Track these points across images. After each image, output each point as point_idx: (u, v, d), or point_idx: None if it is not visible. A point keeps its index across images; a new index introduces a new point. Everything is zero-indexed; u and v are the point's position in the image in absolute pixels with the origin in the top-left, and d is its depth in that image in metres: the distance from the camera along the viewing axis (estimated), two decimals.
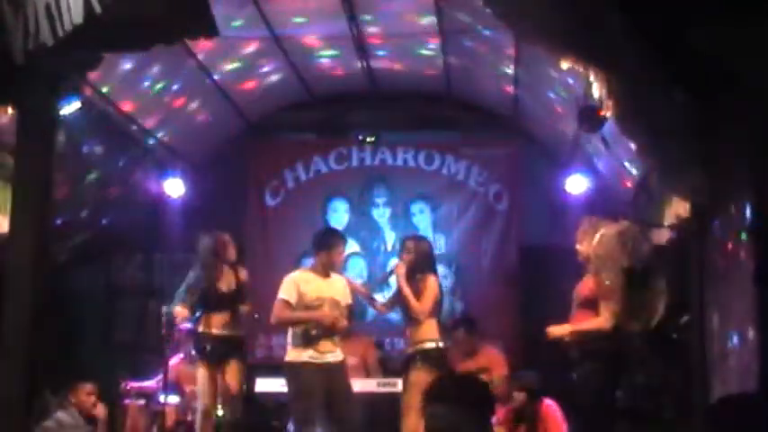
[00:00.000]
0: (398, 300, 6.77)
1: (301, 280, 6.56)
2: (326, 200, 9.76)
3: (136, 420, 7.62)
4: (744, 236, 4.75)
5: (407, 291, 6.56)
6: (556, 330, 6.00)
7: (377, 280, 6.75)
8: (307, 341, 6.40)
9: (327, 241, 6.68)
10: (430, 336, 6.57)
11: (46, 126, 4.94)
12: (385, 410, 6.96)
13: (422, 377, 6.36)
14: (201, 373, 6.88)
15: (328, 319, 6.41)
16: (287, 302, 6.47)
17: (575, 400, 6.27)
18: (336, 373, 6.44)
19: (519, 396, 7.19)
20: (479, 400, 2.74)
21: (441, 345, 6.62)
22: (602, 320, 5.77)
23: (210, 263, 6.99)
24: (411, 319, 6.63)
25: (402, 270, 6.65)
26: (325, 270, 6.58)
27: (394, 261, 7.04)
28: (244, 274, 7.12)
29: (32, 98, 4.83)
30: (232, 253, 7.08)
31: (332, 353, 6.46)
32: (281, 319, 6.58)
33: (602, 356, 5.78)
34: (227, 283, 7.01)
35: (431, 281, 6.66)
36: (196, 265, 7.06)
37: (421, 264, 6.72)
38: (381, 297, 7.37)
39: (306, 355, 6.40)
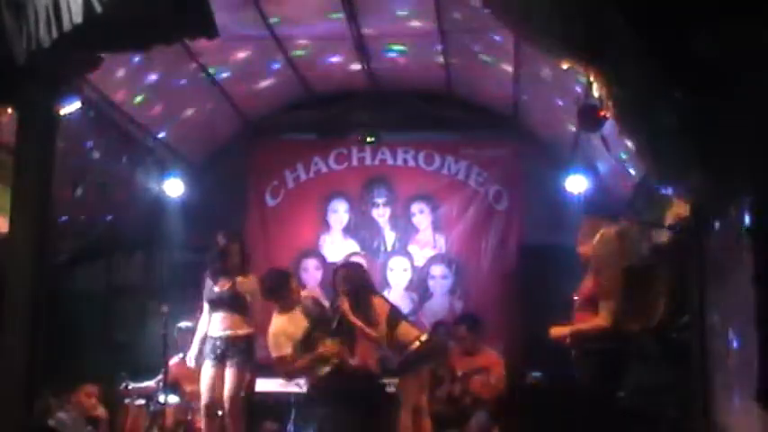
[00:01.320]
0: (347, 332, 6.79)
1: (286, 330, 6.66)
2: (326, 200, 9.77)
3: (136, 420, 7.62)
4: (744, 236, 4.75)
5: (359, 323, 6.59)
6: (557, 330, 6.00)
7: (331, 324, 6.71)
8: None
9: (280, 289, 6.79)
10: (410, 337, 6.64)
11: (46, 126, 4.94)
12: (384, 410, 6.97)
13: (419, 375, 6.49)
14: (203, 372, 6.91)
15: (331, 357, 6.54)
16: (284, 358, 6.61)
17: (575, 400, 6.28)
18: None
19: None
20: (368, 396, 2.54)
21: (423, 339, 6.70)
22: (600, 320, 5.77)
23: (211, 265, 7.09)
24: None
25: (346, 305, 6.64)
26: (290, 306, 6.69)
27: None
28: (249, 280, 7.12)
29: (32, 98, 4.82)
30: (234, 259, 7.09)
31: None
32: (289, 375, 6.77)
33: (603, 356, 5.78)
34: (227, 284, 7.02)
35: (376, 303, 6.71)
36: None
37: (361, 289, 6.73)
38: None
39: (324, 368, 6.51)
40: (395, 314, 6.81)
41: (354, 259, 9.36)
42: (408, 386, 6.63)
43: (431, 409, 6.99)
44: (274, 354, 6.63)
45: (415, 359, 6.65)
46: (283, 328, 6.64)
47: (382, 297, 6.99)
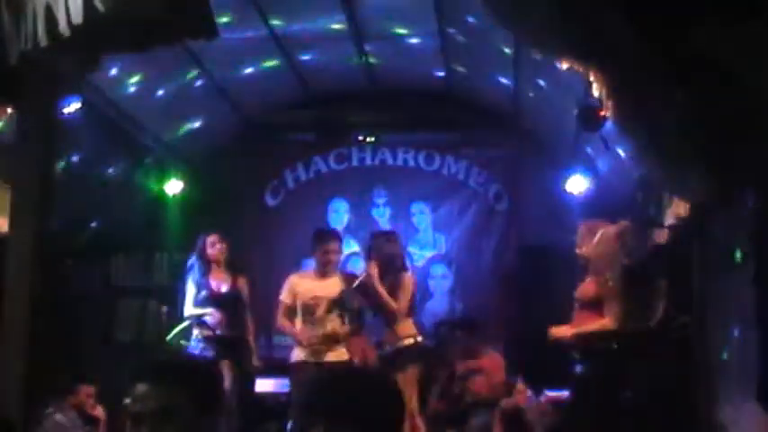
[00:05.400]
0: (370, 300, 6.73)
1: (298, 280, 6.61)
2: (326, 200, 9.77)
3: None
4: (744, 236, 4.75)
5: (383, 291, 6.51)
6: (558, 331, 5.99)
7: (348, 286, 6.63)
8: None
9: (316, 240, 6.71)
10: (408, 332, 6.62)
11: (46, 126, 4.93)
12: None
13: (407, 373, 6.47)
14: None
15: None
16: (284, 304, 6.54)
17: (576, 401, 6.27)
18: None
19: (523, 392, 7.15)
20: (192, 381, 2.42)
21: (419, 339, 6.68)
22: (606, 322, 5.76)
23: (199, 263, 7.08)
24: (387, 319, 6.63)
25: (374, 270, 6.57)
26: (321, 270, 6.59)
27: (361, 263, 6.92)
28: (241, 278, 7.11)
29: (32, 98, 4.82)
30: (218, 253, 7.08)
31: (332, 352, 6.49)
32: (279, 329, 6.73)
33: (603, 356, 5.78)
34: (219, 283, 7.02)
35: (406, 279, 6.66)
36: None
37: (393, 262, 6.68)
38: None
39: (303, 354, 6.44)
40: (414, 302, 6.79)
41: (354, 259, 9.37)
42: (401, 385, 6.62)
43: (430, 410, 6.97)
44: (280, 296, 6.59)
45: (403, 356, 6.62)
46: (293, 283, 6.57)
47: (413, 278, 6.91)
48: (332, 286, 6.57)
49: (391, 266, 6.61)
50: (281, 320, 6.63)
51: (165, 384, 2.35)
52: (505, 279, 9.28)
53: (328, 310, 6.49)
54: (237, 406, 6.95)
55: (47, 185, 4.87)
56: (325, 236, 6.77)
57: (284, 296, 6.58)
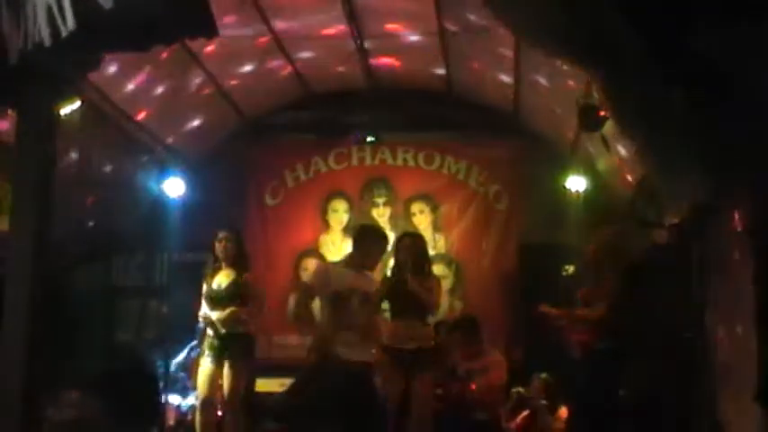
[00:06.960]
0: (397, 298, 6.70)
1: (332, 269, 6.52)
2: (326, 200, 9.77)
3: None
4: (744, 236, 4.75)
5: (418, 288, 6.49)
6: (547, 308, 5.98)
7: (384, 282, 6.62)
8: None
9: (367, 240, 6.61)
10: (430, 334, 6.62)
11: (46, 126, 4.93)
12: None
13: (428, 375, 6.45)
14: (201, 369, 6.87)
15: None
16: (308, 287, 6.49)
17: (577, 400, 6.27)
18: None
19: (539, 394, 7.16)
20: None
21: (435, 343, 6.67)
22: (598, 311, 5.76)
23: (208, 260, 7.09)
24: (409, 319, 6.58)
25: (406, 269, 6.57)
26: (361, 264, 6.48)
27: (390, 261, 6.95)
28: (245, 275, 7.10)
29: (32, 98, 4.82)
30: (223, 250, 7.07)
31: (364, 350, 6.36)
32: (295, 318, 6.62)
33: (604, 356, 5.78)
34: (222, 280, 7.02)
35: (435, 281, 6.69)
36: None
37: (421, 262, 6.68)
38: None
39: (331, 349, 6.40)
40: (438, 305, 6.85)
41: None
42: (423, 386, 6.57)
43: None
44: (308, 280, 6.47)
45: (422, 357, 6.60)
46: (328, 271, 6.48)
47: (440, 281, 6.95)
48: (368, 280, 6.50)
49: (417, 267, 6.61)
50: (300, 309, 6.51)
51: (79, 394, 2.42)
52: (505, 279, 9.28)
53: (363, 303, 6.36)
54: (238, 405, 6.94)
55: (47, 185, 4.87)
56: (378, 239, 6.67)
57: (313, 281, 6.46)
